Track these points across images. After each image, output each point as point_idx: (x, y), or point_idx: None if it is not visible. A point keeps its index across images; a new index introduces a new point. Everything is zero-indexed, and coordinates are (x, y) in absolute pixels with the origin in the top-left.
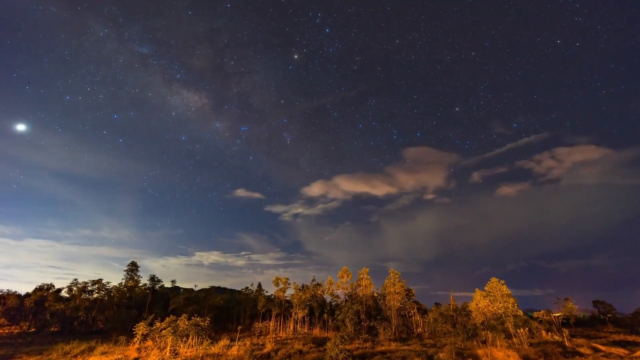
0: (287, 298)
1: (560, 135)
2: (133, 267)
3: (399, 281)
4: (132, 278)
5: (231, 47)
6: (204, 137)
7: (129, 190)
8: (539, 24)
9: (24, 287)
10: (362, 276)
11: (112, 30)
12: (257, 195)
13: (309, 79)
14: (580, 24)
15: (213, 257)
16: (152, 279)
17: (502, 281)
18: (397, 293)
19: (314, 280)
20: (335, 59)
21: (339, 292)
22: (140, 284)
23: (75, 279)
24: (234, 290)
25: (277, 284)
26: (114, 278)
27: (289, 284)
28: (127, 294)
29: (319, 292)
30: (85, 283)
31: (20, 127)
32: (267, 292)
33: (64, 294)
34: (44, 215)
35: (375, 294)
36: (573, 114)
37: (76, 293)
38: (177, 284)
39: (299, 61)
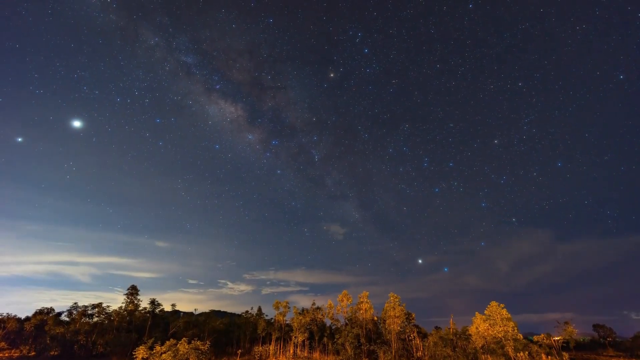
0: (287, 322)
1: (612, 178)
2: (133, 291)
3: (398, 305)
4: (132, 302)
5: (269, 61)
6: (236, 147)
7: (164, 191)
8: (601, 57)
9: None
10: (362, 300)
11: (162, 39)
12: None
13: (343, 98)
14: None
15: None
16: (152, 302)
17: (502, 305)
18: (397, 317)
19: (314, 304)
20: (372, 79)
21: (339, 315)
22: (140, 308)
23: (75, 303)
24: (234, 314)
25: (277, 308)
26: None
27: (289, 307)
28: (127, 318)
29: (319, 315)
30: (85, 307)
31: (77, 124)
32: (266, 315)
33: (64, 317)
34: (90, 206)
35: (375, 318)
36: (630, 157)
37: (76, 317)
38: (177, 308)
39: (334, 79)
